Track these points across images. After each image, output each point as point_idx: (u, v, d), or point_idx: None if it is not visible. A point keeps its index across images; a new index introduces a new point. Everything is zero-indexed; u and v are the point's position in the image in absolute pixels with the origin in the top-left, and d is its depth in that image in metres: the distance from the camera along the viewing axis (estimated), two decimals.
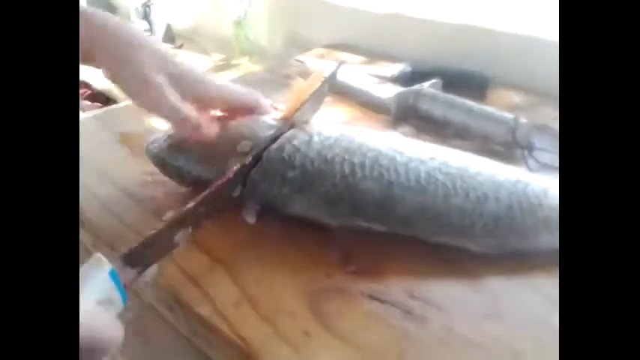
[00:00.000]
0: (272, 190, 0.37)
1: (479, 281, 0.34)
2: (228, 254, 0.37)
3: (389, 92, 0.60)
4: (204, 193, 0.34)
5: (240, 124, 0.41)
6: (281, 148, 0.38)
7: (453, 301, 0.33)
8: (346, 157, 0.37)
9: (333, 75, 0.47)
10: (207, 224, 0.35)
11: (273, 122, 0.41)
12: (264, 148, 0.38)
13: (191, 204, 0.33)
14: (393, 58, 0.75)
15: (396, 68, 0.71)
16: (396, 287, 0.34)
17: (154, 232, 0.30)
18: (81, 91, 1.04)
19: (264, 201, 0.37)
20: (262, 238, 0.38)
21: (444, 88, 0.60)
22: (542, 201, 0.37)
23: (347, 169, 0.36)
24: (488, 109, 0.53)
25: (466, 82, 0.65)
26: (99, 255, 0.27)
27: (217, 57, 0.98)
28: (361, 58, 0.80)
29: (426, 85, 0.59)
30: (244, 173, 0.37)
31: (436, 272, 0.35)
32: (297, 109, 0.41)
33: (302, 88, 0.46)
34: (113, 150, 0.52)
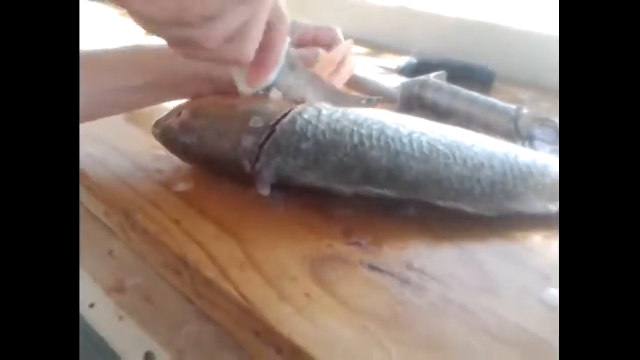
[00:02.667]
0: (287, 162, 0.38)
1: (475, 257, 0.36)
2: (234, 225, 0.38)
3: (395, 82, 0.62)
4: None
5: (250, 100, 0.43)
6: (293, 122, 0.39)
7: (450, 274, 0.34)
8: (355, 128, 0.39)
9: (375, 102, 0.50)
10: None
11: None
12: (277, 122, 0.39)
13: None
14: (399, 51, 0.77)
15: (402, 60, 0.72)
16: (394, 259, 0.35)
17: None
18: None
19: (279, 173, 0.39)
20: (268, 212, 0.40)
21: (449, 82, 0.61)
22: (532, 169, 0.41)
23: (356, 139, 0.38)
24: (491, 99, 0.55)
25: (470, 76, 0.66)
26: None
27: None
28: (367, 50, 0.81)
29: (431, 76, 0.61)
30: (258, 147, 0.39)
31: (434, 247, 0.37)
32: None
33: (323, 61, 0.49)
34: (123, 128, 0.53)
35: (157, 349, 0.33)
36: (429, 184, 0.39)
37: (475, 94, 0.56)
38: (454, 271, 0.34)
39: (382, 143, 0.39)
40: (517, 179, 0.40)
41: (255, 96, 0.43)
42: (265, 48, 0.34)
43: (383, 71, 0.71)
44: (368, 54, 0.79)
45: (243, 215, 0.39)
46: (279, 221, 0.39)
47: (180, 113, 0.43)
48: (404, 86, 0.60)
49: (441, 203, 0.39)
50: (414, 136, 0.40)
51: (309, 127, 0.39)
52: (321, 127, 0.39)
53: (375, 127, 0.39)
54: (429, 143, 0.39)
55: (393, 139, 0.39)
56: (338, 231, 0.38)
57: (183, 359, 0.33)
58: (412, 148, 0.39)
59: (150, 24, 0.29)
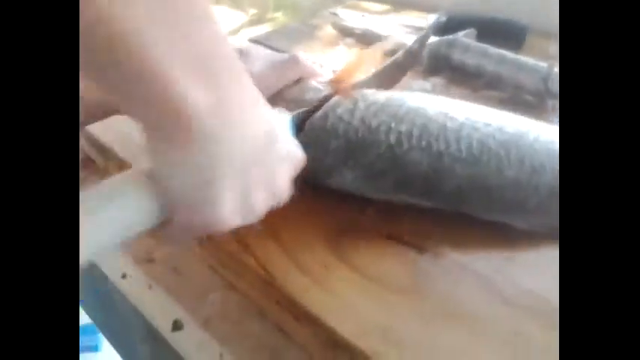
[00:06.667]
0: (314, 160, 0.34)
1: (497, 224, 0.35)
2: None
3: None
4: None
5: (286, 88, 0.40)
6: (324, 117, 0.35)
7: (470, 242, 0.34)
8: (392, 125, 0.34)
9: (415, 49, 0.44)
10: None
11: (320, 86, 0.40)
12: (309, 113, 0.36)
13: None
14: (426, 8, 0.74)
15: (430, 18, 0.69)
16: (413, 228, 0.35)
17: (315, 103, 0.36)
18: None
19: (306, 172, 0.34)
20: None
21: (479, 39, 0.59)
22: None
23: (393, 139, 0.34)
24: (521, 58, 0.52)
25: (501, 32, 0.63)
26: (280, 108, 0.32)
27: (252, 11, 0.99)
28: (387, 7, 0.78)
29: (460, 35, 0.58)
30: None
31: (453, 218, 0.36)
32: (348, 77, 0.40)
33: (362, 55, 0.44)
34: None
35: (185, 317, 0.35)
36: (474, 193, 0.33)
37: (505, 52, 0.53)
38: (475, 239, 0.34)
39: (423, 143, 0.33)
40: None
41: (297, 82, 0.41)
42: None
43: (409, 30, 0.68)
44: (388, 11, 0.77)
45: None
46: (298, 193, 0.39)
47: None
48: (430, 46, 0.58)
49: (486, 217, 0.34)
50: (463, 132, 0.33)
51: (341, 124, 0.35)
52: (355, 123, 0.35)
53: (417, 122, 0.34)
54: (480, 142, 0.33)
55: (437, 138, 0.33)
56: (357, 202, 0.37)
57: (210, 326, 0.34)
58: (459, 149, 0.33)
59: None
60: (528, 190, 0.33)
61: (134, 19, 0.20)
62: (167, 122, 0.23)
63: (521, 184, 0.33)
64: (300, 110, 0.36)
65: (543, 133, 0.35)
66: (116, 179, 0.26)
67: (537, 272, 0.31)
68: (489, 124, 0.34)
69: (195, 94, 0.22)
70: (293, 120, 0.34)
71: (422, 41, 0.46)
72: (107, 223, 0.25)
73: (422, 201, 0.34)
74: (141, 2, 0.20)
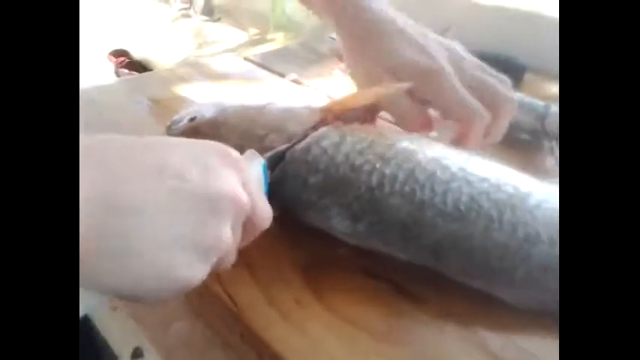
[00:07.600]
0: (291, 194, 0.33)
1: None
2: None
3: None
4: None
5: (270, 115, 0.37)
6: (306, 150, 0.33)
7: (453, 285, 0.32)
8: (377, 165, 0.31)
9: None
10: None
11: (308, 113, 0.37)
12: (291, 146, 0.34)
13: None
14: None
15: None
16: (393, 267, 0.33)
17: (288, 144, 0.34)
18: (119, 59, 1.07)
19: (283, 205, 0.32)
20: None
21: None
22: None
23: (374, 180, 0.31)
24: (518, 95, 0.51)
25: (500, 69, 0.63)
26: (252, 150, 0.29)
27: (253, 31, 0.99)
28: None
29: None
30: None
31: None
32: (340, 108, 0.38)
33: (365, 93, 0.41)
34: (141, 114, 0.52)
35: (146, 345, 0.33)
36: (454, 253, 0.30)
37: None
38: (458, 283, 0.32)
39: (407, 189, 0.30)
40: None
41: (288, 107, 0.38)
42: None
43: None
44: None
45: None
46: (278, 222, 0.37)
47: (194, 118, 0.38)
48: None
49: (465, 281, 0.30)
50: (453, 185, 0.30)
51: (324, 157, 0.32)
52: (338, 159, 0.32)
53: (404, 165, 0.31)
54: (470, 197, 0.30)
55: (422, 187, 0.30)
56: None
57: (172, 356, 0.32)
58: (444, 201, 0.30)
59: None
60: (517, 259, 0.29)
61: None
62: None
63: (509, 251, 0.29)
64: (278, 149, 0.33)
65: (549, 199, 0.31)
66: None
67: (526, 325, 0.29)
68: (486, 180, 0.31)
69: None
70: (267, 162, 0.31)
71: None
72: None
73: (396, 252, 0.31)
74: None
